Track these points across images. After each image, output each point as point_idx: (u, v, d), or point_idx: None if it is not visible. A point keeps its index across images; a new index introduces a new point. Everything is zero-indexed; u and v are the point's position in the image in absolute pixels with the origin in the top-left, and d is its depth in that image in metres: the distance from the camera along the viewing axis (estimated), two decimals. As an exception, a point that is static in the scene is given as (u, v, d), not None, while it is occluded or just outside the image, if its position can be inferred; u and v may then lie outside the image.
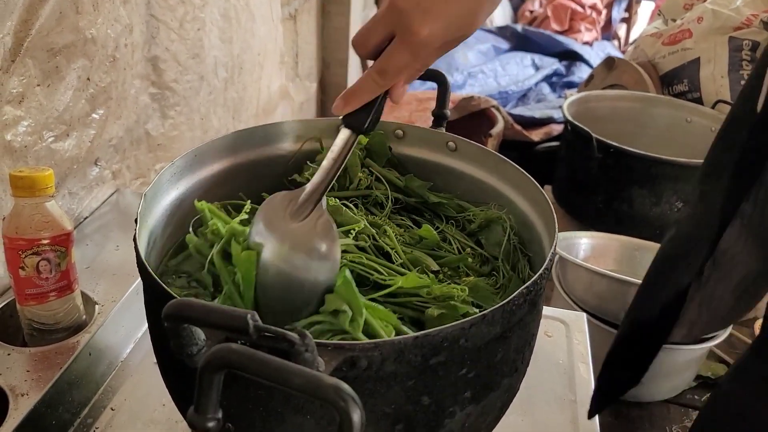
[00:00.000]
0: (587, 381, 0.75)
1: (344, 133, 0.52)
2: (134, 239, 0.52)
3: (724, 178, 0.61)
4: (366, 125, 0.51)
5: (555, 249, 0.54)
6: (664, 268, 0.70)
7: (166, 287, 0.47)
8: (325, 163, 0.52)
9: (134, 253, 0.50)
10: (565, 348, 0.80)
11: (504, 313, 0.47)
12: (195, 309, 0.38)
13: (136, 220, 0.54)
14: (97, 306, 0.71)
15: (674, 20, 1.96)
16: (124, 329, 0.74)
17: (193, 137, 1.03)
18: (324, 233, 0.50)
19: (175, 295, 0.46)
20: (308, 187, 0.52)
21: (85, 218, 0.84)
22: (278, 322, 0.49)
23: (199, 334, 0.41)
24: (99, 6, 0.75)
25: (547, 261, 0.52)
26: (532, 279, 0.49)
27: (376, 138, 0.71)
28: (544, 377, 0.75)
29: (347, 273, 0.47)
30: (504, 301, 0.47)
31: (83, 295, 0.70)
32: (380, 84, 0.50)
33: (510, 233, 0.63)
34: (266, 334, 0.37)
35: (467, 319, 0.45)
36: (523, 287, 0.48)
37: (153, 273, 0.48)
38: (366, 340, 0.43)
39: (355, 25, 1.77)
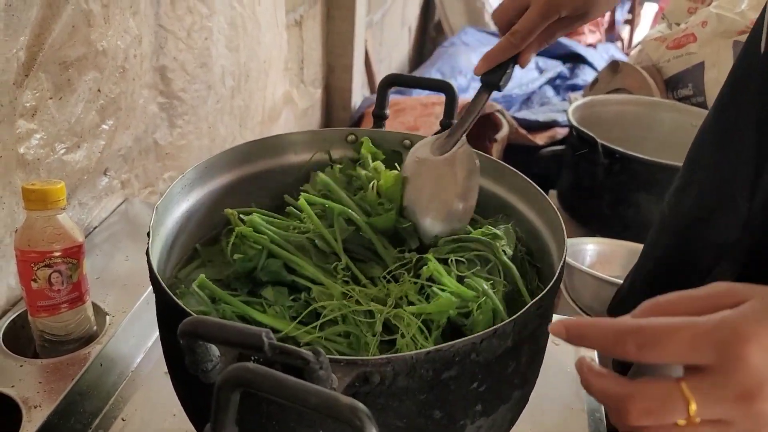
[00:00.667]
0: (595, 390, 0.75)
1: (481, 90, 0.61)
2: (147, 254, 0.52)
3: (752, 118, 0.59)
4: (500, 82, 0.59)
5: (564, 261, 0.54)
6: (693, 227, 0.67)
7: (180, 302, 0.47)
8: (465, 113, 0.61)
9: (144, 263, 0.51)
10: (572, 356, 0.80)
11: (515, 327, 0.48)
12: (210, 326, 0.39)
13: (148, 234, 0.54)
14: (108, 317, 0.72)
15: (678, 24, 1.96)
16: (134, 339, 0.74)
17: (200, 146, 1.04)
18: (466, 160, 0.62)
19: (190, 312, 0.47)
20: (450, 130, 0.62)
21: (95, 228, 0.85)
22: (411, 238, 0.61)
23: (214, 350, 0.42)
24: (110, 18, 0.75)
25: (557, 273, 0.52)
26: (543, 292, 0.49)
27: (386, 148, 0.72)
28: (553, 386, 0.75)
29: None
30: (515, 316, 0.47)
31: (94, 305, 0.71)
32: (512, 42, 0.57)
33: (518, 245, 0.64)
34: (281, 351, 0.37)
35: (479, 333, 0.45)
36: (533, 301, 0.49)
37: (167, 289, 0.49)
38: (380, 356, 0.43)
39: (360, 29, 1.77)
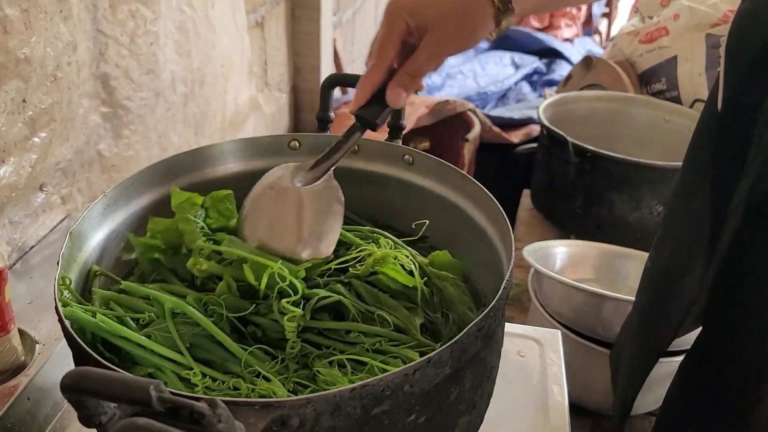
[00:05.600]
0: (561, 404, 0.72)
1: (354, 127, 0.56)
2: (54, 285, 0.48)
3: (707, 182, 0.62)
4: (376, 120, 0.55)
5: (510, 277, 0.50)
6: (667, 282, 0.70)
7: (81, 342, 0.43)
8: (334, 146, 0.56)
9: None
10: (538, 369, 0.77)
11: (453, 353, 0.44)
12: (93, 380, 0.35)
13: (58, 263, 0.50)
14: (38, 345, 0.67)
15: (651, 18, 1.94)
16: (70, 367, 0.69)
17: (150, 156, 0.99)
18: (331, 196, 0.56)
19: (93, 354, 0.43)
20: (314, 161, 0.57)
21: (31, 248, 0.80)
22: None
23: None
24: (32, 24, 0.70)
25: (500, 291, 0.48)
26: (483, 313, 0.46)
27: None
28: (516, 402, 0.71)
29: None
30: (451, 341, 0.43)
31: (22, 333, 0.66)
32: (368, 72, 0.53)
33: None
34: (173, 405, 0.33)
35: (410, 364, 0.41)
36: (473, 323, 0.45)
37: (69, 327, 0.45)
38: (296, 396, 0.39)
39: (327, 29, 1.73)
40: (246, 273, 0.49)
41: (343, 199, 0.56)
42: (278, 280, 0.49)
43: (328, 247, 0.54)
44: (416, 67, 0.52)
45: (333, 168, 0.56)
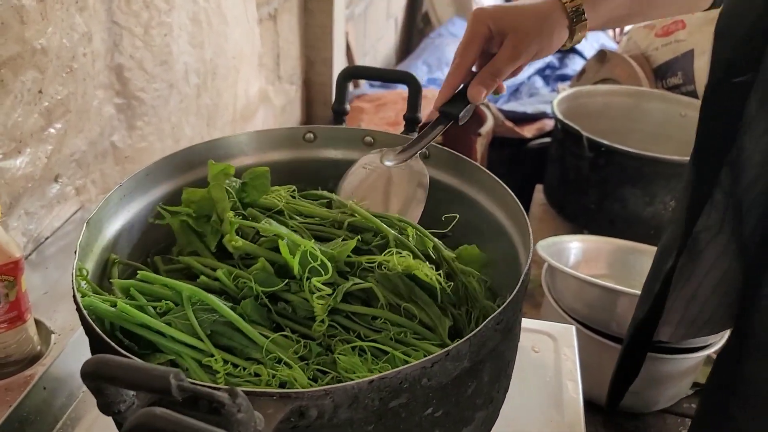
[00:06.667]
0: (576, 400, 0.71)
1: (439, 120, 0.62)
2: (72, 274, 0.48)
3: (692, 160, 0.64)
4: (458, 114, 0.61)
5: (528, 270, 0.49)
6: (656, 267, 0.71)
7: (99, 330, 0.43)
8: (420, 136, 0.63)
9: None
10: (552, 364, 0.76)
11: (471, 347, 0.44)
12: (113, 368, 0.35)
13: (75, 252, 0.50)
14: (53, 335, 0.67)
15: (667, 10, 1.91)
16: (85, 358, 0.70)
17: (163, 148, 0.99)
18: (417, 176, 0.62)
19: (112, 343, 0.43)
20: (402, 148, 0.63)
21: (46, 238, 0.80)
22: None
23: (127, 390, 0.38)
24: (48, 14, 0.70)
25: (519, 284, 0.48)
26: (502, 306, 0.45)
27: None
28: (530, 397, 0.71)
29: None
30: (470, 334, 0.43)
31: (38, 323, 0.66)
32: (451, 71, 0.60)
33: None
34: (192, 394, 0.33)
35: (428, 357, 0.41)
36: (492, 316, 0.44)
37: (87, 315, 0.45)
38: (315, 387, 0.39)
39: (339, 22, 1.72)
40: (282, 248, 0.49)
41: (427, 182, 0.62)
42: (310, 259, 0.49)
43: (413, 218, 0.60)
44: (497, 66, 0.58)
45: (418, 153, 0.62)
